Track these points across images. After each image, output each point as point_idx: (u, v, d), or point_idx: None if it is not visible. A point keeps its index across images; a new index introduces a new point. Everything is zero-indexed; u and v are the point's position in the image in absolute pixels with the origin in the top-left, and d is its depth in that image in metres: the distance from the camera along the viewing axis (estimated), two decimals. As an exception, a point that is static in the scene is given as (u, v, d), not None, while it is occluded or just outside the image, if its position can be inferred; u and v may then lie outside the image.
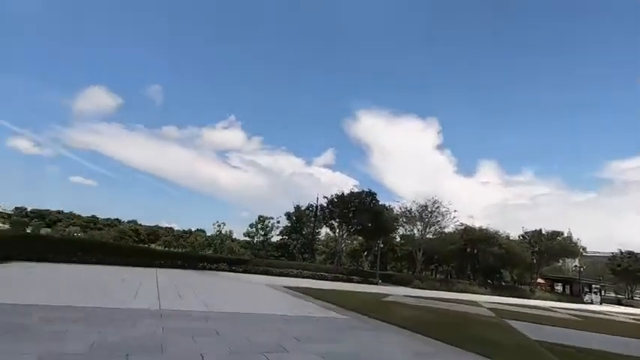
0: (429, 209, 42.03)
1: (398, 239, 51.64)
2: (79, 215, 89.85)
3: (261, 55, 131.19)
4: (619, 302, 56.15)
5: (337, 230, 43.05)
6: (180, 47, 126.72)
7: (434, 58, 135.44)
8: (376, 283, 33.73)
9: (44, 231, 59.80)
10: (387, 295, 20.87)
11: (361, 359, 5.64)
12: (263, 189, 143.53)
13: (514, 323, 13.54)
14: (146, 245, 49.99)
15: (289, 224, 47.55)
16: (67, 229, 72.94)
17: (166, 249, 48.48)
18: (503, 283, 53.56)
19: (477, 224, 47.43)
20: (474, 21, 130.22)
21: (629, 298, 61.91)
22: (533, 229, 52.05)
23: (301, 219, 46.02)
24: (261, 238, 49.14)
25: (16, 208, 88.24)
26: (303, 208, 46.19)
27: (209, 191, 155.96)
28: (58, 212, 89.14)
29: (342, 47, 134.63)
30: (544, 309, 24.54)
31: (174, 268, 22.64)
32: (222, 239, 48.84)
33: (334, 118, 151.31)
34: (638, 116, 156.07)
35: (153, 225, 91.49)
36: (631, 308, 46.07)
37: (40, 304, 6.82)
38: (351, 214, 39.91)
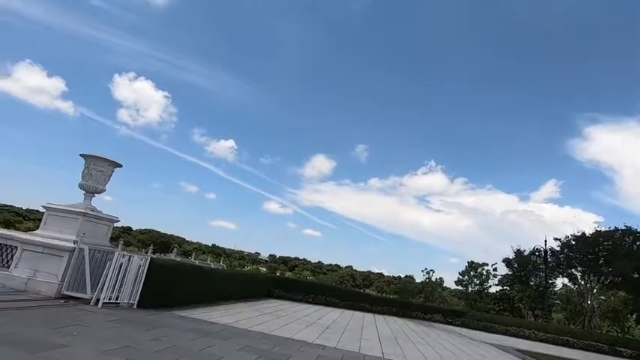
0: None
1: None
2: (310, 261, 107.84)
3: (453, 90, 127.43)
4: None
5: (581, 282, 33.52)
6: (381, 107, 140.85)
7: None
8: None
9: (287, 274, 74.46)
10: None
11: None
12: (471, 232, 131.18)
13: None
14: (361, 290, 53.74)
15: (510, 272, 40.63)
16: (302, 273, 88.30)
17: (379, 294, 50.50)
18: None
19: None
20: None
21: None
22: None
23: (525, 266, 38.50)
24: (476, 288, 43.94)
25: (270, 255, 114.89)
26: (526, 253, 38.76)
27: (413, 237, 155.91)
28: (296, 259, 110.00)
29: (546, 53, 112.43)
30: None
31: (389, 314, 23.06)
32: (433, 287, 46.69)
33: (552, 143, 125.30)
34: None
35: (365, 270, 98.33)
36: None
37: (295, 339, 8.22)
38: (601, 261, 30.47)
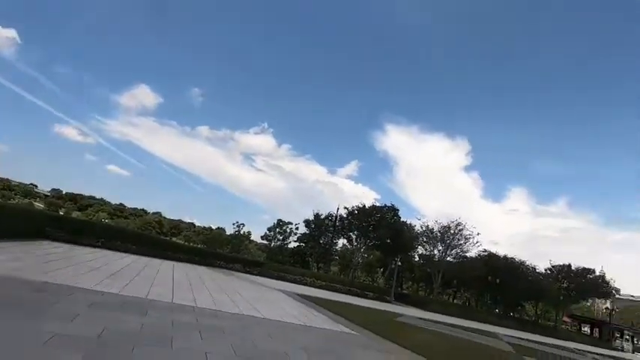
0: (452, 231, 40.75)
1: (417, 258, 50.35)
2: (109, 202, 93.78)
3: (297, 66, 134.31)
4: (654, 353, 51.85)
5: (355, 243, 42.55)
6: (227, 57, 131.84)
7: (467, 75, 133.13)
8: (390, 302, 32.87)
9: (75, 214, 62.68)
10: (400, 315, 20.26)
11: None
12: (285, 194, 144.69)
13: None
14: (167, 238, 51.27)
15: (307, 232, 47.46)
16: (96, 215, 76.21)
17: (186, 243, 49.51)
18: (526, 317, 50.87)
19: (501, 252, 45.54)
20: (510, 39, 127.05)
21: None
22: (562, 264, 49.09)
23: (320, 227, 45.80)
24: (279, 243, 49.26)
25: (52, 189, 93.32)
26: (322, 217, 46.01)
27: (232, 191, 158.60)
28: (91, 197, 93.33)
29: (376, 59, 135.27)
30: (569, 350, 23.02)
31: (191, 263, 23.01)
32: (241, 239, 49.36)
33: (362, 130, 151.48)
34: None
35: (176, 219, 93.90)
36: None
37: (67, 285, 7.02)
38: (370, 228, 39.37)
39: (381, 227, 39.35)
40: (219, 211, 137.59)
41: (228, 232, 56.03)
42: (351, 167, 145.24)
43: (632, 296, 65.50)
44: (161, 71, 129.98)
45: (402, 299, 36.83)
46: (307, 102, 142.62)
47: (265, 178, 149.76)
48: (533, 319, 51.07)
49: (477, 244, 41.65)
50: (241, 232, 49.88)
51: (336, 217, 42.67)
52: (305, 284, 28.18)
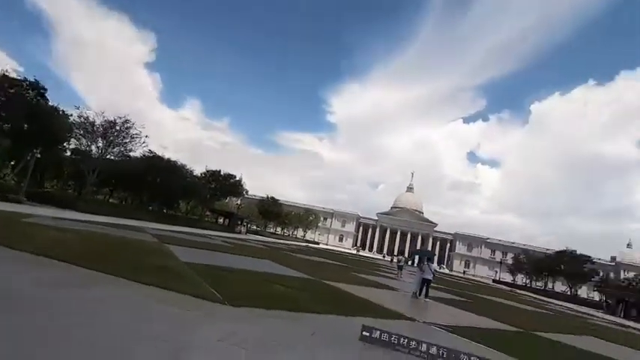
0: (118, 128, 36.90)
1: (69, 153, 42.48)
2: None
3: None
4: (256, 232, 74.67)
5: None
6: None
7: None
8: (21, 202, 26.21)
9: None
10: (30, 215, 16.57)
11: None
12: None
13: (174, 248, 14.41)
14: None
15: None
16: None
17: None
18: (179, 214, 57.25)
19: (167, 155, 47.30)
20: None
21: (263, 229, 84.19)
22: (215, 170, 58.59)
23: None
24: None
25: None
26: None
27: None
28: None
29: None
30: (203, 236, 28.24)
31: None
32: None
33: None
34: (310, 106, 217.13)
35: None
36: (260, 237, 62.53)
37: None
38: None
39: (16, 108, 29.25)
40: None
41: None
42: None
43: (254, 196, 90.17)
44: None
45: (44, 199, 30.33)
46: None
47: None
48: (184, 214, 58.53)
49: (143, 144, 40.37)
50: None
51: None
52: None
